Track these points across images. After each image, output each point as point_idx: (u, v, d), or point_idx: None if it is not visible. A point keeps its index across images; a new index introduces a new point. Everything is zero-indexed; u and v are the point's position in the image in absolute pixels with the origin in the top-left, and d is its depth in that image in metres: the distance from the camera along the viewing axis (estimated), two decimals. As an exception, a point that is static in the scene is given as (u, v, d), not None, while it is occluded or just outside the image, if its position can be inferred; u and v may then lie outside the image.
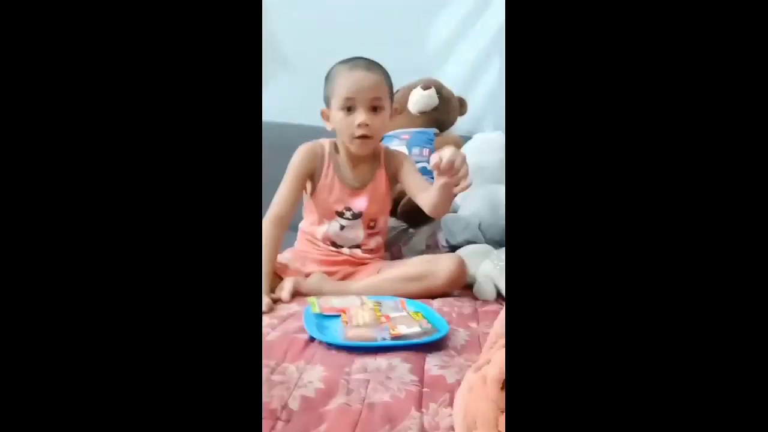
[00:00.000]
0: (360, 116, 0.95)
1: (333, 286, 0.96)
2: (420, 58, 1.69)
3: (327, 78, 1.01)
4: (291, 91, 1.70)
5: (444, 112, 1.51)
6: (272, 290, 0.90)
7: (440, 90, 1.50)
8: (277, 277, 0.95)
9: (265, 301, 0.83)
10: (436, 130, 1.50)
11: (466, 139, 1.45)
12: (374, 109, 0.97)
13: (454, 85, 1.58)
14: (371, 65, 0.99)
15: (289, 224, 1.03)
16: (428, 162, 1.44)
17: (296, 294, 0.90)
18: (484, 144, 1.40)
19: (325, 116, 1.03)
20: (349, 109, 0.96)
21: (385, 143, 1.47)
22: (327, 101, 1.01)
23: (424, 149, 1.45)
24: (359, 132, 0.96)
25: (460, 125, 1.61)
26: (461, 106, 1.57)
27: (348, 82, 0.96)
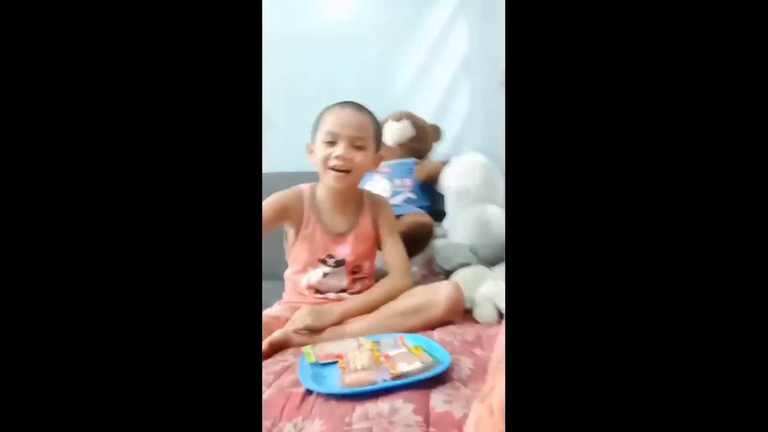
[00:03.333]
0: (339, 149, 0.96)
1: (325, 317, 0.92)
2: (390, 93, 1.72)
3: (318, 116, 1.02)
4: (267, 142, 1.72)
5: (420, 141, 1.52)
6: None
7: (413, 120, 1.51)
8: (269, 331, 0.92)
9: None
10: (415, 160, 1.51)
11: (445, 163, 1.46)
12: (357, 147, 0.98)
13: (427, 114, 1.60)
14: (361, 108, 1.01)
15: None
16: (411, 192, 1.44)
17: (287, 346, 0.87)
18: (464, 166, 1.40)
19: (309, 150, 1.04)
20: (332, 142, 0.97)
21: (366, 177, 1.47)
22: (313, 136, 1.03)
23: (405, 179, 1.46)
24: (334, 162, 0.96)
25: (439, 151, 1.62)
26: (436, 132, 1.58)
27: (334, 118, 0.98)
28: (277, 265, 1.08)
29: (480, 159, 1.42)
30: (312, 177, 1.07)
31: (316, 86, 1.66)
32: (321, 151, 0.98)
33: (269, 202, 1.01)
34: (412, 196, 1.43)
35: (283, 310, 1.01)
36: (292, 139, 1.19)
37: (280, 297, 1.08)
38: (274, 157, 1.59)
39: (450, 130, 1.66)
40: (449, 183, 1.39)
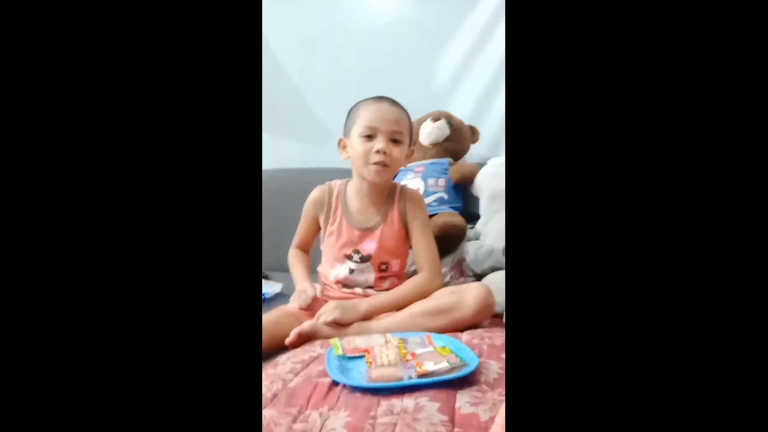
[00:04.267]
0: (380, 143, 0.96)
1: (352, 312, 0.93)
2: (429, 92, 1.71)
3: (350, 111, 1.03)
4: (306, 131, 1.75)
5: (456, 142, 1.51)
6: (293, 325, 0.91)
7: (450, 120, 1.50)
8: (298, 320, 0.93)
9: (309, 292, 0.96)
10: (450, 160, 1.50)
11: (482, 165, 1.44)
12: (394, 141, 0.98)
13: (464, 115, 1.59)
14: (395, 103, 1.02)
15: (310, 249, 1.15)
16: (444, 192, 1.43)
17: (315, 337, 0.89)
18: (500, 169, 1.38)
19: (341, 145, 1.04)
20: (369, 136, 0.97)
21: (400, 176, 1.47)
22: (347, 131, 1.02)
23: (440, 179, 1.45)
24: (377, 158, 0.96)
25: (475, 152, 1.60)
26: (473, 134, 1.56)
27: (372, 112, 0.98)
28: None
29: (517, 162, 1.39)
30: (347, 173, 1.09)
31: (357, 81, 1.67)
32: (359, 145, 0.98)
33: (306, 201, 1.09)
34: (445, 196, 1.42)
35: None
36: (332, 134, 1.21)
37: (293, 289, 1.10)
38: (315, 152, 1.62)
39: (487, 131, 1.63)
40: (484, 185, 1.37)
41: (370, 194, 1.04)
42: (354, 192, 1.05)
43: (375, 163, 0.97)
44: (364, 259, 1.03)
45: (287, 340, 0.86)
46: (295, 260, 1.10)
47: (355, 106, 1.03)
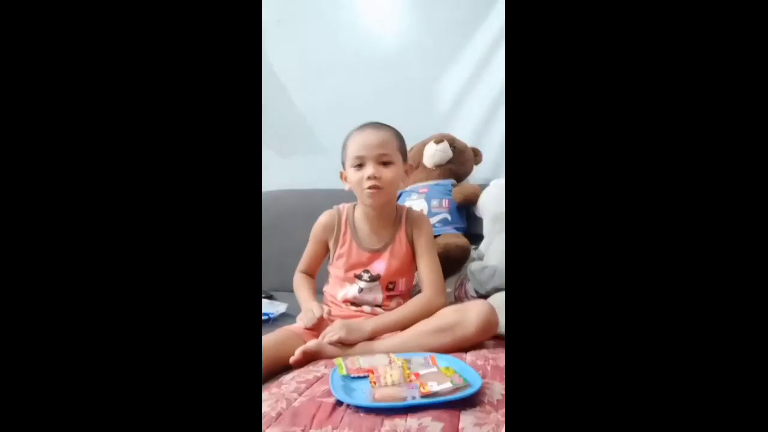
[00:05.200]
0: (369, 169, 0.99)
1: (357, 331, 0.94)
2: (432, 116, 1.75)
3: (342, 145, 1.07)
4: (311, 153, 1.79)
5: (459, 163, 1.53)
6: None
7: (453, 142, 1.53)
8: (302, 340, 0.94)
9: (316, 312, 0.96)
10: (453, 181, 1.52)
11: (484, 186, 1.46)
12: (383, 163, 1.01)
13: (467, 137, 1.62)
14: (379, 125, 1.04)
15: (316, 274, 1.16)
16: (448, 213, 1.45)
17: (319, 357, 0.89)
18: (502, 190, 1.39)
19: (342, 178, 1.09)
20: (360, 165, 1.01)
21: (404, 197, 1.49)
22: (343, 164, 1.07)
23: (443, 200, 1.46)
24: (368, 183, 0.99)
25: (477, 174, 1.62)
26: (475, 155, 1.59)
27: (357, 141, 1.02)
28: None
29: (519, 183, 1.41)
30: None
31: (361, 106, 1.71)
32: (352, 175, 1.02)
33: (315, 225, 1.11)
34: (449, 217, 1.44)
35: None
36: (336, 156, 1.24)
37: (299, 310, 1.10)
38: (319, 173, 1.65)
39: (489, 153, 1.66)
40: (487, 206, 1.39)
41: (377, 217, 1.07)
42: (361, 216, 1.08)
43: (369, 188, 1.00)
44: (374, 279, 1.05)
45: (292, 359, 0.87)
46: (301, 283, 1.11)
47: (345, 138, 1.06)
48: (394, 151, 1.02)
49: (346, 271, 1.05)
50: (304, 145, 1.84)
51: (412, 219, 1.09)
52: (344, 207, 1.11)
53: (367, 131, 1.02)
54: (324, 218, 1.11)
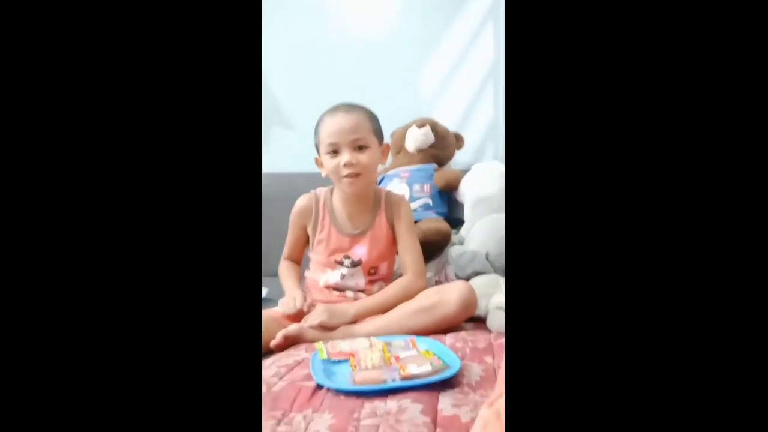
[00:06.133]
0: (345, 157, 0.97)
1: (339, 315, 0.94)
2: (415, 100, 1.74)
3: (315, 129, 1.04)
4: (289, 144, 1.76)
5: (441, 148, 1.53)
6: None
7: (435, 127, 1.52)
8: (281, 324, 0.93)
9: (298, 302, 0.95)
10: (435, 166, 1.52)
11: (466, 171, 1.46)
12: (359, 148, 0.99)
13: (449, 122, 1.61)
14: (351, 108, 1.01)
15: (301, 261, 1.14)
16: (429, 198, 1.45)
17: (301, 341, 0.89)
18: (484, 173, 1.40)
19: (318, 164, 1.06)
20: (335, 152, 0.98)
21: (386, 182, 1.49)
22: (317, 149, 1.04)
23: (425, 185, 1.47)
24: (345, 171, 0.98)
25: (459, 158, 1.62)
26: (457, 140, 1.59)
27: (329, 127, 0.98)
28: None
29: (500, 168, 1.42)
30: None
31: (344, 89, 1.69)
32: (328, 162, 1.00)
33: (292, 211, 1.09)
34: (430, 202, 1.44)
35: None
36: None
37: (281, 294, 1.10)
38: (302, 157, 1.62)
39: (472, 138, 1.66)
40: (468, 191, 1.40)
41: (356, 202, 1.05)
42: (339, 200, 1.06)
43: (346, 176, 0.98)
44: (355, 264, 1.04)
45: (272, 343, 0.87)
46: (286, 271, 1.08)
47: (317, 123, 1.03)
48: (368, 134, 1.00)
49: (327, 256, 1.05)
50: (284, 128, 1.80)
51: (391, 202, 1.08)
52: (321, 191, 1.09)
53: (338, 115, 0.99)
54: (300, 203, 1.08)
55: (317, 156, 1.05)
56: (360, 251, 1.04)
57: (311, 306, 0.95)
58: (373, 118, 1.03)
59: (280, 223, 1.13)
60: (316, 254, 1.07)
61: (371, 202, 1.07)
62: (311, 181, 1.18)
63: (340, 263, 1.04)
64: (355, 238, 1.04)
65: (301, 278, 1.09)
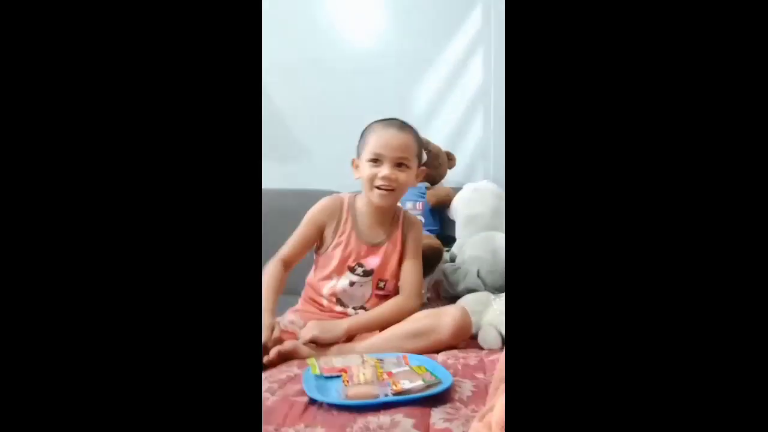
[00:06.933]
0: (385, 170, 1.00)
1: (331, 331, 0.93)
2: (407, 119, 1.75)
3: (362, 132, 1.06)
4: (286, 154, 1.78)
5: (433, 167, 1.56)
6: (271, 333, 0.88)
7: (427, 146, 1.55)
8: (280, 340, 0.93)
9: (265, 334, 0.86)
10: (427, 184, 1.54)
11: (457, 190, 1.49)
12: (399, 165, 1.01)
13: (441, 141, 1.65)
14: (404, 126, 1.04)
15: (292, 269, 1.06)
16: (422, 215, 1.47)
17: (295, 357, 0.89)
18: (475, 193, 1.43)
19: (354, 165, 1.08)
20: (376, 161, 1.01)
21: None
22: (358, 152, 1.06)
23: (417, 203, 1.49)
24: (381, 183, 1.00)
25: (451, 177, 1.65)
26: (449, 159, 1.62)
27: (379, 138, 1.01)
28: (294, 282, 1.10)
29: (491, 187, 1.45)
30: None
31: (337, 107, 1.72)
32: (366, 170, 1.02)
33: (313, 209, 1.08)
34: (422, 219, 1.46)
35: (294, 322, 1.01)
36: (311, 156, 1.23)
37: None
38: (293, 174, 1.64)
39: (463, 157, 1.69)
40: (460, 209, 1.42)
41: (379, 214, 1.07)
42: (363, 208, 1.08)
43: (379, 188, 1.00)
44: (367, 274, 1.05)
45: (266, 359, 0.86)
46: (271, 281, 0.99)
47: (367, 128, 1.06)
48: (412, 156, 1.03)
49: (342, 261, 1.04)
50: (275, 146, 1.82)
51: (408, 221, 1.11)
52: (345, 196, 1.10)
53: (391, 130, 1.01)
54: (326, 202, 1.08)
55: (355, 158, 1.07)
56: (374, 261, 1.05)
57: (276, 342, 0.87)
58: (419, 142, 1.07)
59: (269, 242, 1.13)
60: (328, 258, 1.06)
61: (390, 217, 1.09)
62: (300, 198, 1.18)
63: (353, 270, 1.04)
64: (372, 248, 1.06)
65: (279, 294, 1.00)
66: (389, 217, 1.09)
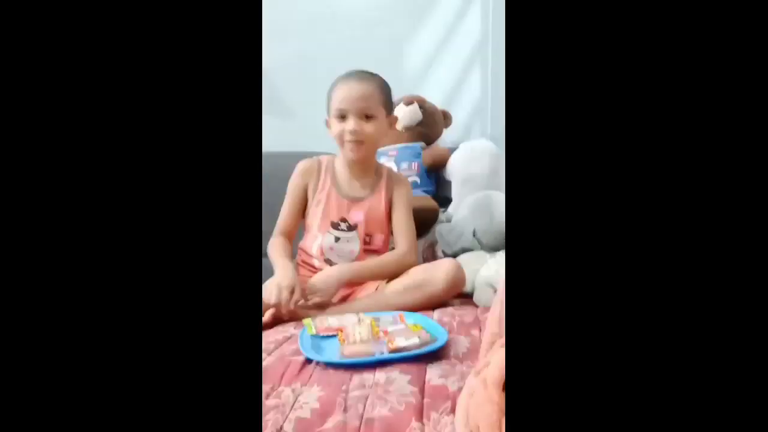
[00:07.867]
0: (350, 124, 0.99)
1: (323, 282, 0.94)
2: (402, 77, 1.71)
3: (328, 91, 1.04)
4: (276, 121, 1.73)
5: (429, 126, 1.52)
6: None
7: (423, 105, 1.51)
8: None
9: (284, 295, 0.86)
10: (422, 144, 1.51)
11: (453, 150, 1.46)
12: (366, 117, 1.00)
13: (437, 99, 1.60)
14: (364, 76, 1.02)
15: (294, 237, 1.07)
16: (417, 176, 1.45)
17: (290, 318, 0.89)
18: (472, 152, 1.40)
19: (327, 125, 1.07)
20: (342, 117, 1.00)
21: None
22: (328, 111, 1.05)
23: (413, 163, 1.46)
24: (349, 137, 1.00)
25: (447, 137, 1.62)
26: (445, 118, 1.58)
27: (341, 93, 1.00)
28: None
29: (488, 146, 1.42)
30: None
31: (329, 68, 1.65)
32: (335, 126, 1.02)
33: (293, 174, 1.08)
34: (418, 180, 1.44)
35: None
36: (309, 120, 1.21)
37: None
38: (290, 138, 1.61)
39: (460, 116, 1.65)
40: (456, 169, 1.39)
41: (357, 169, 1.07)
42: (342, 165, 1.08)
43: (349, 142, 1.00)
44: (351, 228, 1.04)
45: (266, 317, 0.87)
46: (279, 249, 0.98)
47: (331, 86, 1.04)
48: (376, 105, 1.01)
49: (324, 217, 1.04)
50: (268, 104, 1.77)
51: (393, 177, 1.10)
52: (324, 157, 1.10)
53: (350, 82, 1.00)
54: (303, 164, 1.09)
55: (327, 117, 1.06)
56: (357, 216, 1.05)
57: (297, 304, 0.87)
58: (384, 89, 1.04)
59: (265, 203, 1.11)
60: (312, 216, 1.06)
61: (372, 173, 1.09)
62: (294, 160, 1.16)
63: (336, 226, 1.04)
64: (353, 202, 1.05)
65: (290, 257, 1.04)
66: (370, 171, 1.08)
